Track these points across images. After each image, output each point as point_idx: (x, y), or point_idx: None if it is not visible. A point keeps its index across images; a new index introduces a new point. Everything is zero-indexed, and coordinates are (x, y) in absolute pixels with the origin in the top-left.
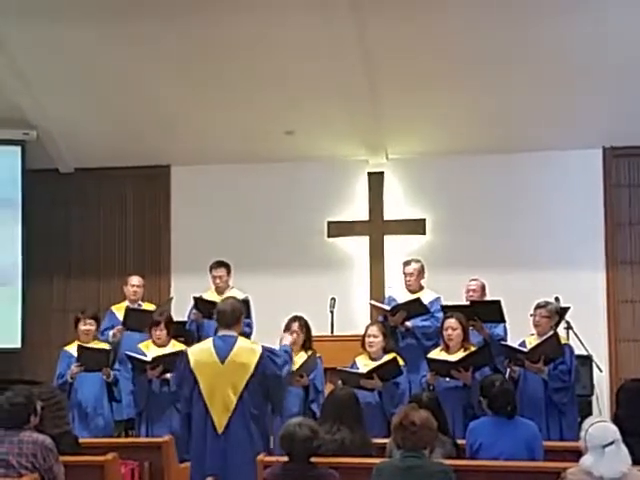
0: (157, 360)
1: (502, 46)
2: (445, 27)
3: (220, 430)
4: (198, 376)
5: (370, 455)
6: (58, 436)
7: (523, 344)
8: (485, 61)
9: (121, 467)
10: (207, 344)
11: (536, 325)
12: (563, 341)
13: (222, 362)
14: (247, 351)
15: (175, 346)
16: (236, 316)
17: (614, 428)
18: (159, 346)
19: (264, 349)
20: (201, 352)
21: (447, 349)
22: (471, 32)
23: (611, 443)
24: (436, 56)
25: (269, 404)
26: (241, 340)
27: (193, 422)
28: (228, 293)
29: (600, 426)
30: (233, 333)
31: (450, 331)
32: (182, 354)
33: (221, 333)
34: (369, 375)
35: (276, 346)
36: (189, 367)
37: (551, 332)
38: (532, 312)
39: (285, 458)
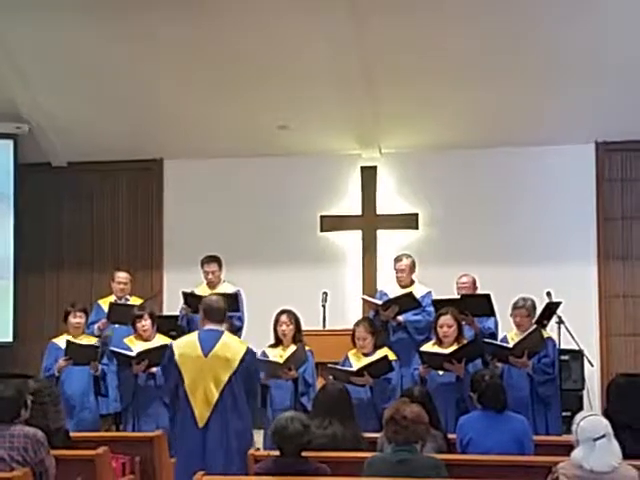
0: (142, 355)
1: (497, 43)
2: (441, 22)
3: (201, 424)
4: (182, 369)
5: (361, 449)
6: (56, 430)
7: (505, 339)
8: (480, 57)
9: (112, 461)
10: (192, 337)
11: (518, 325)
12: (546, 335)
13: (205, 355)
14: (232, 346)
15: (161, 340)
16: (222, 312)
17: (606, 422)
18: (145, 340)
19: (251, 350)
20: (186, 345)
21: (440, 343)
22: (466, 28)
23: (602, 436)
24: (431, 51)
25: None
26: (227, 335)
27: (178, 415)
28: (220, 287)
29: (592, 419)
30: (220, 328)
31: (446, 328)
32: (168, 347)
33: (207, 327)
34: (360, 373)
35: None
36: (174, 360)
37: (533, 327)
38: (510, 312)
39: (276, 452)
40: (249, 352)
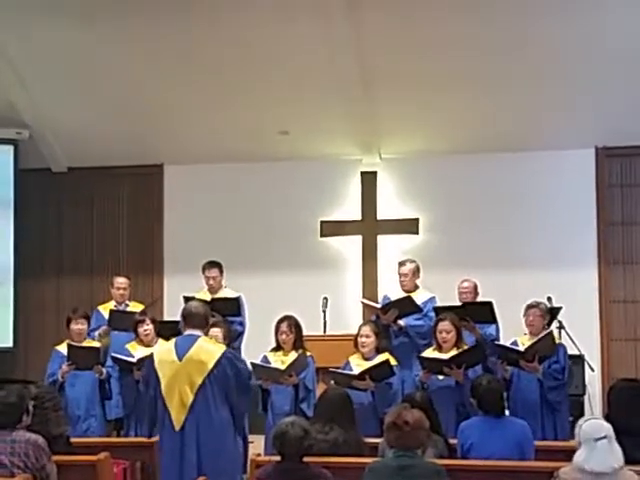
0: (143, 361)
1: (496, 47)
2: (439, 27)
3: (177, 427)
4: (159, 375)
5: (363, 455)
6: (57, 436)
7: (515, 343)
8: (479, 61)
9: (113, 467)
10: (170, 343)
11: (530, 325)
12: (558, 340)
13: (180, 359)
14: (207, 350)
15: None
16: (201, 318)
17: (607, 425)
18: (146, 345)
19: (228, 352)
20: (163, 352)
21: (440, 349)
22: (465, 33)
23: (604, 437)
24: (430, 56)
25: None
26: (203, 340)
27: (158, 420)
28: (221, 293)
29: (594, 422)
30: (197, 333)
31: (444, 334)
32: (150, 355)
33: (186, 333)
34: (361, 376)
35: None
36: (153, 366)
37: (546, 331)
38: (524, 313)
39: (278, 457)
40: (226, 355)
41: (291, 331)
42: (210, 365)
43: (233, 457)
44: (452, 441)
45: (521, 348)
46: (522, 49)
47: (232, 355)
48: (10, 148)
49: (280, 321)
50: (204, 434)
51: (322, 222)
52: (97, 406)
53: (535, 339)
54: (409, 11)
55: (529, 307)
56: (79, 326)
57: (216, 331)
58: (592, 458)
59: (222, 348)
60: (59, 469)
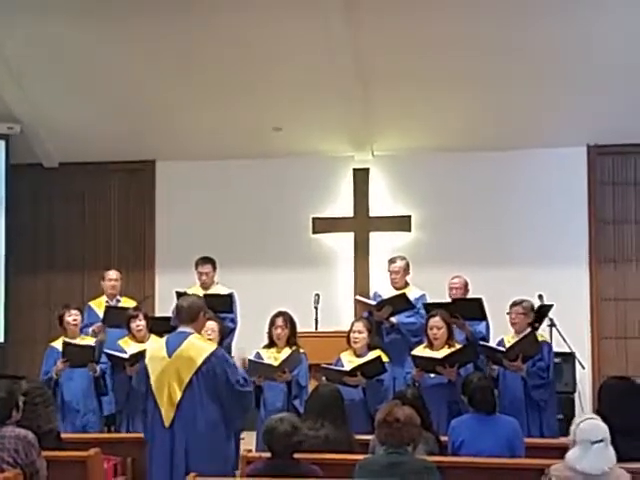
0: (135, 356)
1: (490, 46)
2: (433, 25)
3: (167, 423)
4: (150, 371)
5: (353, 451)
6: (47, 432)
7: (501, 342)
8: (472, 60)
9: (104, 463)
10: (162, 340)
11: (513, 323)
12: (542, 338)
13: (169, 356)
14: (197, 347)
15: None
16: (193, 313)
17: (605, 427)
18: (139, 341)
19: (219, 351)
20: (155, 348)
21: (431, 346)
22: (458, 32)
23: (600, 441)
24: (424, 54)
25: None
26: (195, 337)
27: (147, 417)
28: (213, 289)
29: (592, 423)
30: (189, 330)
31: (435, 330)
32: (144, 351)
33: (178, 330)
34: (353, 373)
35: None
36: (144, 363)
37: (528, 330)
38: (508, 310)
39: (268, 454)
40: (215, 354)
41: (286, 326)
42: (198, 362)
43: (222, 456)
44: (444, 438)
45: (506, 347)
46: (515, 49)
47: (223, 355)
48: (1, 143)
49: (275, 316)
50: (192, 432)
51: (314, 219)
52: (94, 401)
53: (517, 338)
54: (406, 10)
55: (512, 305)
56: (73, 317)
57: (212, 325)
58: (585, 459)
59: (213, 346)
60: (49, 465)
